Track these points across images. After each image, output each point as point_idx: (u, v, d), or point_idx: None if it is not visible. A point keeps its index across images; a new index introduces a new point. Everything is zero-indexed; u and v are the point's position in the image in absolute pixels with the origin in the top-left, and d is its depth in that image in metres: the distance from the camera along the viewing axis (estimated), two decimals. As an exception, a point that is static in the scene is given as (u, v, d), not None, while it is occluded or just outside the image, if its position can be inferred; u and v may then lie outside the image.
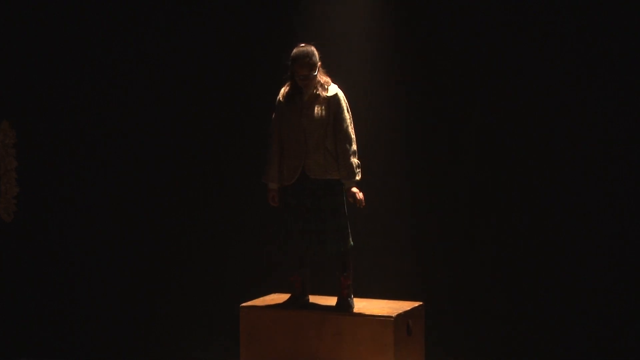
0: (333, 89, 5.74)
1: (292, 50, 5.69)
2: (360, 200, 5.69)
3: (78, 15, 7.35)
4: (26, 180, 7.59)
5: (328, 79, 5.75)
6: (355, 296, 5.82)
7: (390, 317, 5.57)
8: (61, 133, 7.45)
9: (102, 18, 7.29)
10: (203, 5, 7.05)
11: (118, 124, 7.31)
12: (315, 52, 5.70)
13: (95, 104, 7.36)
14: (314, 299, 5.97)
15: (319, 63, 5.71)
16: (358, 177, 5.71)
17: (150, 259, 7.25)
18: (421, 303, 5.92)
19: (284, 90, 5.81)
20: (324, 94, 5.70)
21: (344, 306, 5.75)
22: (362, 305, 5.80)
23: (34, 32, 7.47)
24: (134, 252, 7.29)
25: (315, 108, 5.70)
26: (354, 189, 5.71)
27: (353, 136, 5.72)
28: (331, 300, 5.90)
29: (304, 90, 5.71)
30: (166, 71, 7.15)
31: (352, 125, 5.74)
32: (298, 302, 5.87)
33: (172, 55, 7.14)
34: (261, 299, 6.11)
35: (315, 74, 5.68)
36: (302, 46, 5.69)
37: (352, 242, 5.76)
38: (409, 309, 5.76)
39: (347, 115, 5.73)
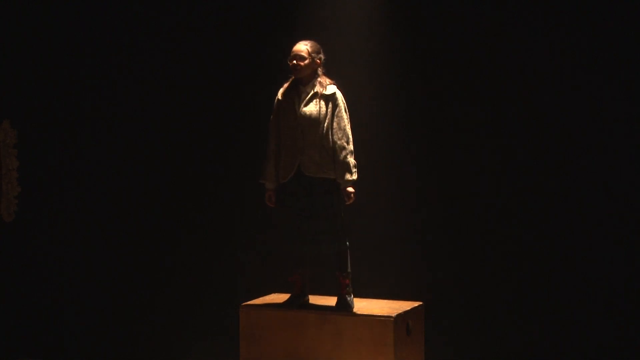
0: (332, 88, 5.76)
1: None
2: (352, 199, 5.71)
3: (78, 15, 7.35)
4: (27, 180, 7.59)
5: (328, 80, 5.78)
6: (355, 296, 5.82)
7: (390, 317, 5.57)
8: (62, 133, 7.45)
9: (103, 18, 7.29)
10: (204, 5, 7.05)
11: (119, 124, 7.31)
12: (317, 46, 5.77)
13: (95, 104, 7.36)
14: (313, 299, 5.97)
15: (320, 59, 5.76)
16: (354, 177, 5.69)
17: (150, 258, 7.24)
18: (421, 303, 5.92)
19: (283, 88, 5.83)
20: (322, 91, 5.72)
21: (344, 306, 5.75)
22: (362, 305, 5.80)
23: (35, 32, 7.47)
24: (134, 252, 7.29)
25: (313, 105, 5.71)
26: (350, 189, 5.70)
27: (350, 136, 5.72)
28: (331, 300, 5.90)
29: (301, 87, 5.74)
30: (167, 72, 7.15)
31: (350, 125, 5.74)
32: (298, 302, 5.87)
33: (172, 55, 7.14)
34: (261, 299, 6.11)
35: (310, 61, 5.70)
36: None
37: (347, 243, 5.76)
38: (409, 309, 5.76)
39: (345, 115, 5.73)
